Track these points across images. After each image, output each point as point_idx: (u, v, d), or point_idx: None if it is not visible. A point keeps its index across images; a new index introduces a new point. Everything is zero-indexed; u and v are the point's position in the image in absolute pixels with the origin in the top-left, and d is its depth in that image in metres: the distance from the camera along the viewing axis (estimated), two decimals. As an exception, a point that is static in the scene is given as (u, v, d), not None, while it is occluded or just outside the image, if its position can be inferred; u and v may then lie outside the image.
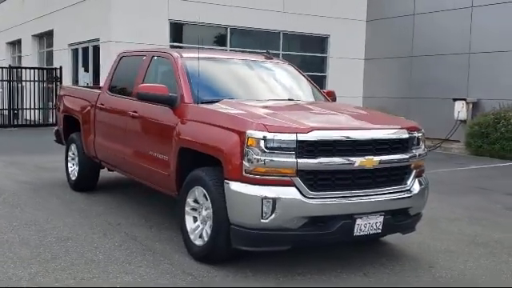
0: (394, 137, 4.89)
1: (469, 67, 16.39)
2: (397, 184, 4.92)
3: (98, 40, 15.86)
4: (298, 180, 4.43)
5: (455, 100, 16.13)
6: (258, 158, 4.40)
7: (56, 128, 8.90)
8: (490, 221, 7.03)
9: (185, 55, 6.03)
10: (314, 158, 4.47)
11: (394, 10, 18.56)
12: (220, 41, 16.93)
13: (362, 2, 18.99)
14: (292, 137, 4.43)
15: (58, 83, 18.48)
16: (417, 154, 5.06)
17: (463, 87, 16.46)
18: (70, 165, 8.15)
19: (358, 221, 4.61)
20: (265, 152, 4.39)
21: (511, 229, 6.65)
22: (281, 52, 17.26)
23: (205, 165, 5.08)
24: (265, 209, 4.38)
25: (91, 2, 16.14)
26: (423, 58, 17.59)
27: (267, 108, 5.21)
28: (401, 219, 4.97)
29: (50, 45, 20.17)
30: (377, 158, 4.70)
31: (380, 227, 4.76)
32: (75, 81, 17.89)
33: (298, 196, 4.42)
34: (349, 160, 4.59)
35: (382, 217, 4.75)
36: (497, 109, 14.40)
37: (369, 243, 5.56)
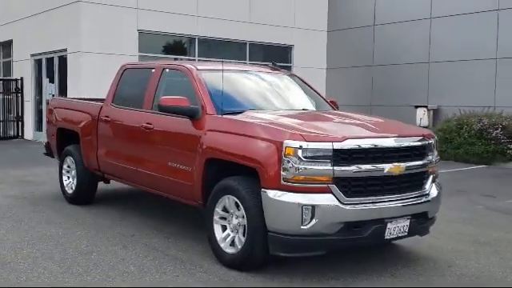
0: (415, 144, 5.18)
1: (428, 76, 17.13)
2: (418, 189, 5.20)
3: (65, 50, 15.63)
4: (334, 187, 4.64)
5: (417, 107, 16.81)
6: (296, 166, 4.58)
7: (46, 141, 8.78)
8: (479, 221, 7.45)
9: (199, 67, 6.16)
10: (348, 165, 4.69)
11: (353, 21, 19.15)
12: (188, 50, 17.01)
13: (322, 13, 19.50)
14: (328, 145, 4.64)
15: (19, 94, 18.09)
16: (433, 159, 5.37)
17: (423, 95, 17.18)
18: (64, 178, 8.07)
19: (389, 225, 4.86)
20: (302, 161, 4.58)
21: (503, 228, 7.06)
22: (248, 62, 17.49)
23: (232, 174, 5.23)
24: (304, 215, 4.57)
25: (57, 12, 15.89)
26: (384, 67, 18.23)
27: (293, 118, 5.41)
28: (421, 222, 5.25)
29: (8, 55, 19.68)
30: (403, 165, 4.97)
31: (406, 230, 5.03)
32: (39, 92, 17.52)
33: (336, 202, 4.63)
34: (378, 167, 4.84)
35: (409, 220, 5.02)
36: (458, 115, 15.07)
37: (380, 246, 5.81)
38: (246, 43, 17.80)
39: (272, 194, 4.68)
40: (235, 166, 5.18)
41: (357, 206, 4.73)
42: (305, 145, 4.60)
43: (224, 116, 5.49)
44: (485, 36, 15.66)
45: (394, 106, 17.52)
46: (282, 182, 4.65)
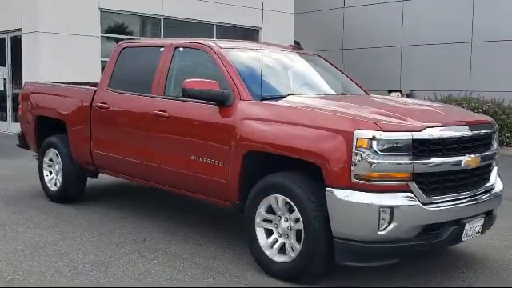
0: (487, 132, 4.57)
1: (401, 59, 16.75)
2: (485, 183, 4.61)
3: (19, 30, 14.25)
4: (413, 184, 3.97)
5: (390, 92, 16.40)
6: (370, 161, 3.88)
7: (19, 131, 7.70)
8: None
9: (222, 45, 5.33)
10: (427, 158, 4.03)
11: (322, 3, 18.54)
12: (153, 31, 15.95)
13: (289, -6, 18.82)
14: (407, 136, 3.95)
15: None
16: (497, 149, 4.79)
17: (396, 79, 16.80)
18: (46, 173, 7.06)
19: (467, 225, 4.24)
20: (378, 154, 3.88)
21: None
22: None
23: (275, 170, 4.49)
24: (382, 219, 3.88)
25: (10, -12, 14.48)
26: (355, 50, 17.73)
27: (349, 104, 4.70)
28: (489, 220, 4.67)
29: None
30: (477, 156, 4.36)
31: (480, 230, 4.45)
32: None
33: (416, 202, 3.96)
34: (456, 160, 4.20)
35: (483, 219, 4.43)
36: (434, 100, 14.73)
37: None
38: (213, 25, 16.88)
39: (341, 193, 3.96)
40: (282, 161, 4.43)
41: (436, 205, 4.07)
42: (380, 135, 3.89)
43: (265, 102, 4.71)
44: (459, 19, 15.36)
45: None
46: (353, 179, 3.93)
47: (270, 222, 4.49)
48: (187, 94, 4.89)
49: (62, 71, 12.92)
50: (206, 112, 5.00)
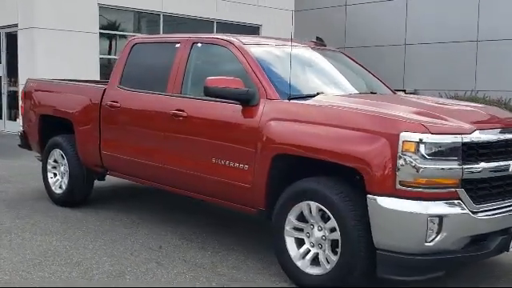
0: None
1: (405, 58, 16.49)
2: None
3: (15, 26, 13.81)
4: (462, 191, 3.66)
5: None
6: (418, 166, 3.57)
7: (21, 130, 7.33)
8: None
9: (244, 41, 5.00)
10: (476, 163, 3.73)
11: (323, 0, 18.25)
12: (153, 28, 15.58)
13: (290, -9, 18.51)
14: (457, 139, 3.65)
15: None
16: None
17: (399, 78, 16.52)
18: (50, 175, 6.70)
19: (514, 234, 3.95)
20: (426, 158, 3.57)
21: None
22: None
23: (307, 173, 4.18)
24: (430, 229, 3.57)
25: (5, -18, 14.05)
26: (357, 49, 17.40)
27: (385, 103, 4.39)
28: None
29: None
30: (524, 160, 4.06)
31: (525, 240, 4.15)
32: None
33: (465, 211, 3.66)
34: (504, 164, 3.90)
35: (529, 228, 4.13)
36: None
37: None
38: (213, 22, 16.53)
39: (384, 201, 3.64)
40: (314, 165, 4.12)
41: (486, 214, 3.78)
42: (428, 138, 3.59)
43: (294, 101, 4.39)
44: (465, 17, 15.11)
45: (368, 89, 16.79)
46: (398, 186, 3.62)
47: (300, 230, 4.17)
48: (209, 93, 4.56)
49: (58, 68, 12.52)
50: (229, 112, 4.68)
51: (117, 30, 14.84)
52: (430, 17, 15.73)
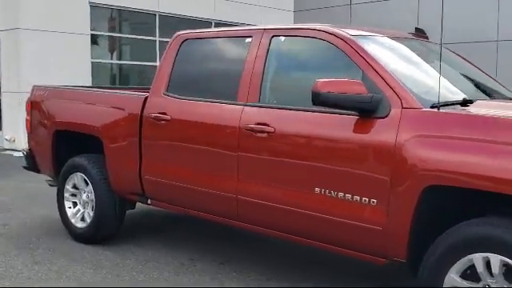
0: None
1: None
2: None
3: (-4, 27, 12.36)
4: None
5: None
6: None
7: (26, 149, 5.99)
8: None
9: (353, 32, 3.82)
10: None
11: (325, 0, 17.26)
12: (148, 29, 14.27)
13: (288, -10, 17.49)
14: None
15: None
16: None
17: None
18: (68, 205, 5.40)
19: None
20: None
21: None
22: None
23: (468, 212, 3.02)
24: None
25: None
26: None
27: None
28: None
29: None
30: None
31: None
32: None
33: None
34: None
35: None
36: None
37: None
38: (211, 22, 15.31)
39: None
40: (483, 199, 2.96)
41: None
42: None
43: (446, 111, 3.21)
44: (482, 16, 14.23)
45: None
46: None
47: (468, 291, 3.00)
48: (322, 100, 3.34)
49: (45, 73, 11.18)
50: (339, 125, 3.49)
51: (109, 31, 13.48)
52: (439, 16, 14.78)
